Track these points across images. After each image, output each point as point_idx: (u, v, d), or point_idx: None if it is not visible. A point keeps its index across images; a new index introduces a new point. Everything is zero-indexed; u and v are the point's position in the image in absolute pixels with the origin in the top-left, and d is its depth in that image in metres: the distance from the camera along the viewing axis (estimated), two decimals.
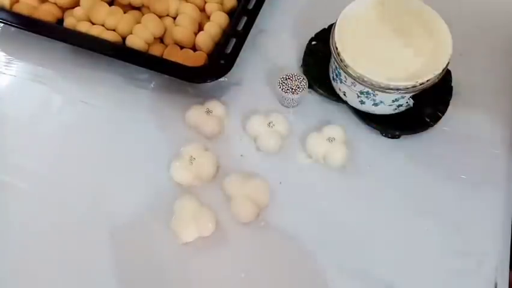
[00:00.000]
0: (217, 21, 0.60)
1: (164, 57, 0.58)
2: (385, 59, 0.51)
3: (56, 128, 0.58)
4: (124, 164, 0.55)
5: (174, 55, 0.58)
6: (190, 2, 0.61)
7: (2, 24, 0.64)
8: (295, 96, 0.55)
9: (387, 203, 0.52)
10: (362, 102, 0.54)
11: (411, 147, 0.55)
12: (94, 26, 0.59)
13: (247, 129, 0.56)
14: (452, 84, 0.57)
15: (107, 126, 0.58)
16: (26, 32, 0.59)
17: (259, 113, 0.57)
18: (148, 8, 0.62)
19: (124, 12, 0.60)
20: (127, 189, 0.53)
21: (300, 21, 0.65)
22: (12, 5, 0.61)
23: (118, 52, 0.57)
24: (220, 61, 0.56)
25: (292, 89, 0.56)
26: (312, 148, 0.55)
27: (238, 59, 0.56)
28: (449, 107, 0.56)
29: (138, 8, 0.63)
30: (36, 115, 0.59)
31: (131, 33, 0.59)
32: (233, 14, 0.61)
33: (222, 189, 0.53)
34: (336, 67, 0.53)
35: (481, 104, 0.58)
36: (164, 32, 0.60)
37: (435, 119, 0.55)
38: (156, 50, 0.59)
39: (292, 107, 0.59)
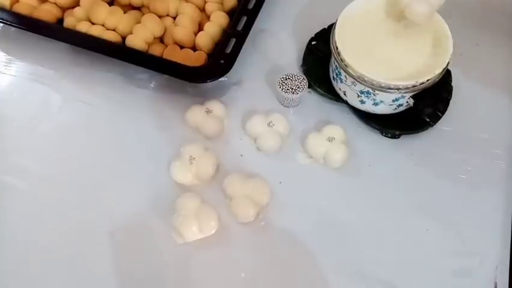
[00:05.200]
0: (217, 21, 0.60)
1: (164, 57, 0.58)
2: (385, 59, 0.51)
3: (56, 128, 0.58)
4: (124, 164, 0.55)
5: (174, 55, 0.58)
6: (190, 2, 0.61)
7: (2, 24, 0.64)
8: (295, 96, 0.55)
9: (387, 203, 0.52)
10: (362, 102, 0.54)
11: (411, 147, 0.55)
12: (94, 26, 0.59)
13: (247, 129, 0.56)
14: (452, 84, 0.57)
15: (107, 126, 0.58)
16: (26, 32, 0.59)
17: (259, 113, 0.57)
18: (148, 8, 0.62)
19: (124, 12, 0.60)
20: (127, 189, 0.53)
21: (300, 21, 0.65)
22: (12, 5, 0.61)
23: (118, 52, 0.57)
24: (220, 61, 0.55)
25: (292, 89, 0.56)
26: (312, 148, 0.54)
27: (238, 59, 0.56)
28: (449, 107, 0.56)
29: (138, 8, 0.63)
30: (36, 115, 0.59)
31: (131, 33, 0.59)
32: (233, 14, 0.61)
33: (222, 189, 0.53)
34: (336, 67, 0.53)
35: (481, 104, 0.58)
36: (164, 32, 0.60)
37: (435, 119, 0.55)
38: (156, 50, 0.59)
39: (292, 107, 0.59)
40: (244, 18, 0.59)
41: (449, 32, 0.51)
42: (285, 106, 0.59)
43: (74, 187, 0.54)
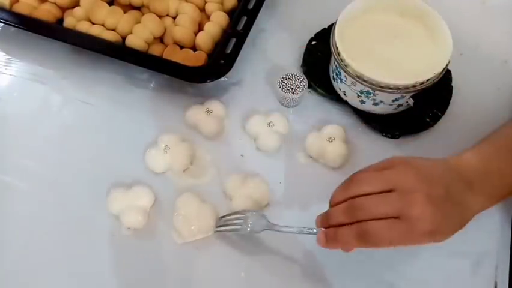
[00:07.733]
0: (217, 21, 0.60)
1: (164, 57, 0.58)
2: (385, 59, 0.51)
3: (56, 128, 0.58)
4: (124, 164, 0.55)
5: (174, 55, 0.58)
6: (190, 2, 0.61)
7: (2, 24, 0.64)
8: (295, 96, 0.56)
9: None
10: (362, 102, 0.54)
11: (411, 147, 0.55)
12: (94, 25, 0.59)
13: (247, 129, 0.56)
14: (452, 84, 0.57)
15: (107, 126, 0.58)
16: (26, 32, 0.59)
17: (259, 113, 0.57)
18: (148, 8, 0.62)
19: (124, 12, 0.60)
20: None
21: (300, 21, 0.65)
22: (12, 4, 0.61)
23: (118, 52, 0.57)
24: (220, 61, 0.55)
25: (292, 89, 0.56)
26: (312, 148, 0.54)
27: (238, 59, 0.56)
28: (449, 107, 0.56)
29: (138, 8, 0.63)
30: (36, 115, 0.59)
31: (131, 33, 0.59)
32: (233, 14, 0.61)
33: (222, 189, 0.53)
34: (336, 66, 0.53)
35: (481, 104, 0.58)
36: (164, 32, 0.60)
37: (435, 119, 0.55)
38: (156, 50, 0.59)
39: (292, 106, 0.59)
40: (244, 18, 0.59)
41: (449, 32, 0.51)
42: (285, 106, 0.59)
43: (74, 187, 0.54)
